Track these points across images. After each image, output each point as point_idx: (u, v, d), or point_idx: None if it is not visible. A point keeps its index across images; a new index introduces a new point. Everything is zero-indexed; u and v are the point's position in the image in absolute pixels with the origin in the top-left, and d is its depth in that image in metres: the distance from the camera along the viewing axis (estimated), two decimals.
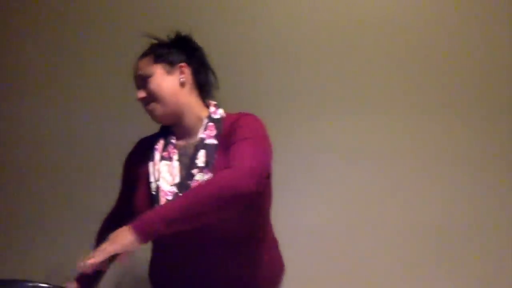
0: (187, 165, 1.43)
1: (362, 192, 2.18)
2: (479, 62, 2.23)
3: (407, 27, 2.28)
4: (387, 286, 2.20)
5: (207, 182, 1.31)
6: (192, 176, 1.39)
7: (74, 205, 2.44)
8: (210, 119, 1.48)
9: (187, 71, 1.52)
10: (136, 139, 2.36)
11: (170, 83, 1.47)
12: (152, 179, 1.44)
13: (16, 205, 2.50)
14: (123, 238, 1.21)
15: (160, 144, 1.51)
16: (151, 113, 1.48)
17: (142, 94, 1.47)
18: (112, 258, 1.28)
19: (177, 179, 1.41)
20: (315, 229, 2.22)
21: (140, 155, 1.55)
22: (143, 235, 1.22)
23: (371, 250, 2.19)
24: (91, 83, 2.49)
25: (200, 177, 1.37)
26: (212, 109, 1.51)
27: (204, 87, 1.57)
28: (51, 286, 1.43)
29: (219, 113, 1.50)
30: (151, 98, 1.46)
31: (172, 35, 1.57)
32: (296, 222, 2.23)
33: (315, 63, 2.35)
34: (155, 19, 2.45)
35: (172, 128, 1.54)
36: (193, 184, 1.37)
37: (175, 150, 1.47)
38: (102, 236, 1.47)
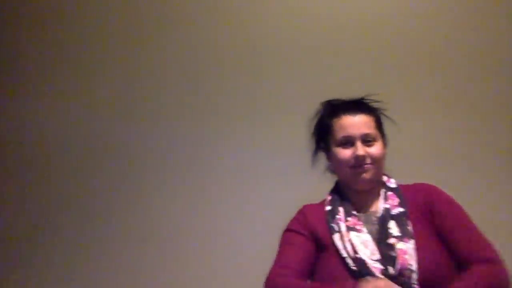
0: (378, 237, 1.38)
1: None
2: (477, 63, 2.24)
3: (406, 28, 2.30)
4: None
5: (477, 281, 1.28)
6: (391, 246, 1.34)
7: (74, 205, 2.48)
8: (387, 188, 1.48)
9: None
10: (134, 138, 2.39)
11: (384, 154, 1.48)
12: (344, 252, 1.37)
13: (16, 205, 2.54)
14: None
15: (341, 214, 1.45)
16: (362, 173, 1.44)
17: (363, 151, 1.43)
18: None
19: (376, 253, 1.34)
20: None
21: (314, 224, 1.47)
22: None
23: None
24: (91, 83, 2.52)
25: (402, 245, 1.33)
26: (385, 178, 1.51)
27: None
28: None
29: (393, 182, 1.51)
30: (370, 160, 1.44)
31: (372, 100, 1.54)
32: None
33: (314, 64, 2.37)
34: (153, 19, 2.47)
35: (347, 196, 1.50)
36: (398, 254, 1.32)
37: (360, 222, 1.43)
38: None
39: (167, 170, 2.42)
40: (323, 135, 1.54)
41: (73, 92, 2.54)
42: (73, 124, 2.51)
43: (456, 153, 2.22)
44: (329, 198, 1.53)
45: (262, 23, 2.42)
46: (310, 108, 2.40)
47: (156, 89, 2.48)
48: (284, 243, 1.50)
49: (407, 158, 2.24)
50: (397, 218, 1.39)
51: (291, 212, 2.27)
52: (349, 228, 1.41)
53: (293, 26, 2.40)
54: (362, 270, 1.32)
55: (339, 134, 1.47)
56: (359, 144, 1.43)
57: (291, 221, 1.54)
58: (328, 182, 2.16)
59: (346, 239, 1.38)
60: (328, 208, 1.49)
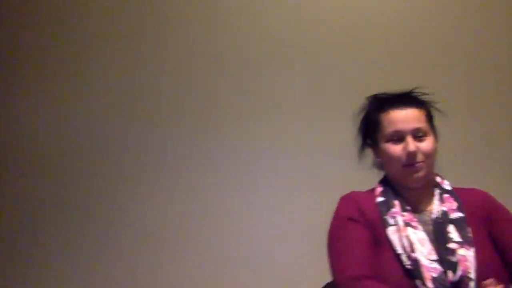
0: (435, 238, 1.33)
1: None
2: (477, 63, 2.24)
3: (407, 28, 2.30)
4: None
5: None
6: (452, 251, 1.29)
7: (74, 205, 2.48)
8: (442, 190, 1.43)
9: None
10: (134, 138, 2.39)
11: (436, 149, 1.40)
12: (400, 249, 1.30)
13: (15, 205, 2.54)
14: None
15: (397, 207, 1.38)
16: (415, 172, 1.36)
17: (414, 147, 1.35)
18: None
19: (433, 253, 1.29)
20: (314, 227, 2.25)
21: (368, 213, 1.39)
22: None
23: None
24: (90, 83, 2.53)
25: (464, 252, 1.29)
26: (438, 179, 1.45)
27: None
28: None
29: (447, 183, 1.45)
30: (422, 157, 1.36)
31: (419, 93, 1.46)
32: (302, 219, 2.26)
33: (315, 64, 2.37)
34: (153, 19, 2.48)
35: (399, 192, 1.41)
36: (459, 260, 1.28)
37: (415, 219, 1.36)
38: None
39: (167, 170, 2.42)
40: (371, 131, 1.46)
41: (73, 92, 2.54)
42: (73, 124, 2.52)
43: (455, 153, 2.23)
44: (380, 189, 1.44)
45: (262, 23, 2.42)
46: (310, 108, 2.42)
47: (156, 89, 2.49)
48: (345, 234, 1.37)
49: None
50: (457, 223, 1.34)
51: (290, 213, 2.29)
52: (406, 224, 1.34)
53: (293, 27, 2.40)
54: (415, 270, 1.27)
55: (388, 129, 1.39)
56: (410, 139, 1.36)
57: (342, 207, 1.42)
58: (328, 182, 2.18)
59: (403, 234, 1.32)
60: (380, 199, 1.41)
